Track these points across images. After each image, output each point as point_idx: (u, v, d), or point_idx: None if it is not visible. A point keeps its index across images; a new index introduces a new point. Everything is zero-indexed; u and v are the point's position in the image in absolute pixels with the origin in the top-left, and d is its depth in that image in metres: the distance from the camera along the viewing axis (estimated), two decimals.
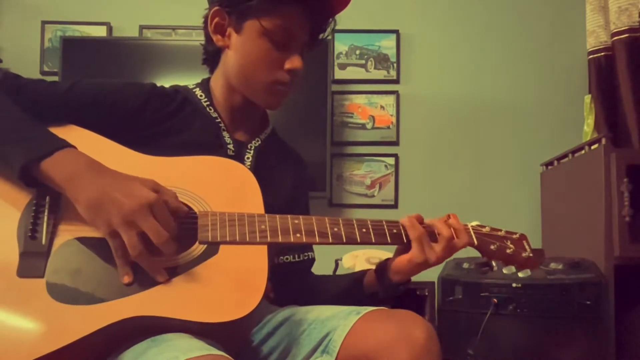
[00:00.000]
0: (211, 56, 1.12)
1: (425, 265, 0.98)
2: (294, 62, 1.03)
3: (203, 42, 1.12)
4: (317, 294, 1.15)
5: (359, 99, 2.56)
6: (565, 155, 2.20)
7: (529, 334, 1.69)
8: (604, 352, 1.72)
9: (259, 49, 1.02)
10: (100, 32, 2.55)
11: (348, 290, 1.11)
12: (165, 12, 2.57)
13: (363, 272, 1.10)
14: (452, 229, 0.99)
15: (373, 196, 2.52)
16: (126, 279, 0.80)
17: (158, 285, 0.80)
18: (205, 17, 1.08)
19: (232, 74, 1.07)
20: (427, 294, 2.00)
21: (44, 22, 2.56)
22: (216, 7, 1.05)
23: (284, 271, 1.10)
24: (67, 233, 0.85)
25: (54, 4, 2.58)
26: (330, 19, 1.09)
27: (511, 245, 1.03)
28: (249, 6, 1.01)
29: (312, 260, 1.17)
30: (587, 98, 2.28)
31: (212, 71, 1.14)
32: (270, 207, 0.94)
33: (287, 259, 1.11)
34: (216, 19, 1.06)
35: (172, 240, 0.81)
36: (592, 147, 1.95)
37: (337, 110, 2.54)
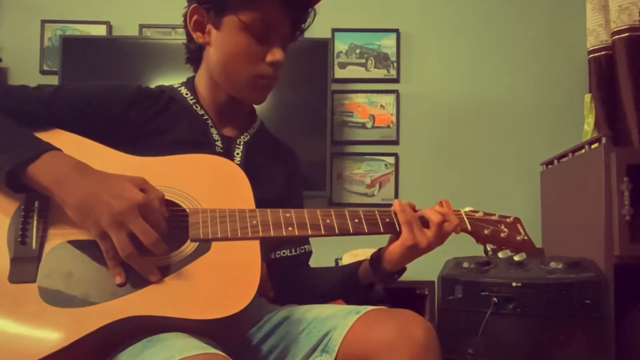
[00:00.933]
0: (194, 54, 1.12)
1: (416, 249, 0.97)
2: (275, 54, 1.02)
3: (184, 41, 1.12)
4: (314, 287, 1.15)
5: (359, 98, 2.56)
6: (565, 155, 2.20)
7: (529, 333, 1.69)
8: (604, 351, 1.72)
9: (239, 43, 1.01)
10: (100, 31, 2.55)
11: (344, 281, 1.11)
12: (165, 11, 2.56)
13: (358, 263, 1.10)
14: (442, 215, 0.98)
15: (373, 195, 2.52)
16: (118, 280, 0.80)
17: (151, 284, 0.80)
18: (185, 15, 1.08)
19: (215, 70, 1.06)
20: (427, 293, 2.00)
21: (43, 21, 2.55)
22: (194, 5, 1.05)
23: (281, 266, 1.10)
24: (57, 237, 0.84)
25: (53, 3, 2.58)
26: (310, 9, 1.08)
27: (505, 229, 1.03)
28: (227, 1, 1.00)
29: (309, 253, 1.17)
30: (587, 97, 2.28)
31: (196, 69, 1.13)
32: (262, 201, 0.93)
33: (283, 253, 1.12)
34: (195, 16, 1.05)
35: (161, 240, 0.81)
36: (592, 146, 1.95)
37: (337, 109, 2.54)
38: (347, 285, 1.10)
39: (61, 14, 2.57)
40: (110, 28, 2.57)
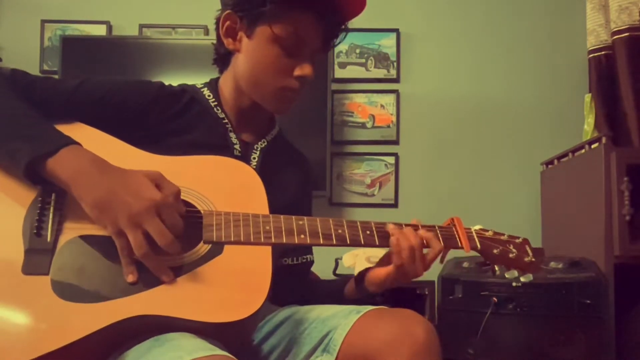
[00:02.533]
0: (221, 57, 1.11)
1: (404, 280, 0.98)
2: (304, 69, 1.02)
3: (214, 42, 1.11)
4: (308, 298, 1.14)
5: (359, 98, 2.56)
6: (565, 154, 2.20)
7: (528, 333, 1.69)
8: (604, 351, 1.72)
9: (269, 54, 1.01)
10: (100, 31, 2.55)
11: (332, 296, 1.11)
12: (165, 11, 2.57)
13: (346, 279, 1.10)
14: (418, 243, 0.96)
15: (373, 195, 2.52)
16: (130, 278, 0.80)
17: (162, 284, 0.80)
18: (217, 19, 1.07)
19: (242, 77, 1.06)
20: (427, 293, 2.00)
21: (43, 21, 2.56)
22: (228, 11, 1.04)
23: (283, 273, 1.10)
24: (72, 230, 0.85)
25: (53, 2, 2.58)
26: (343, 26, 1.09)
27: (514, 250, 1.03)
28: (261, 11, 1.00)
29: (310, 263, 1.17)
30: (587, 97, 2.28)
31: (221, 72, 1.13)
32: (275, 208, 0.93)
33: (285, 261, 1.12)
34: (228, 22, 1.05)
35: (176, 241, 0.81)
36: (592, 146, 1.95)
37: (337, 109, 2.54)
38: (335, 299, 1.10)
39: (61, 14, 2.57)
40: (110, 28, 2.57)
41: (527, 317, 1.69)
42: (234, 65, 1.08)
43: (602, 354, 1.71)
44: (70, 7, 2.58)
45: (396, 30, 2.57)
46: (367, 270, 1.04)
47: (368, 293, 1.03)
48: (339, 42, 1.11)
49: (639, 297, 1.85)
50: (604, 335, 1.72)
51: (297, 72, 1.02)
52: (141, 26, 2.57)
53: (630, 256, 1.75)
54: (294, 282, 1.14)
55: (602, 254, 1.78)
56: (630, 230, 1.75)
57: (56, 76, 2.38)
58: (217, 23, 1.08)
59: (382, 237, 0.97)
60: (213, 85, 1.12)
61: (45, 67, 2.54)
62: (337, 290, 1.10)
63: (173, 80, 1.15)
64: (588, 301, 1.68)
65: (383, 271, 0.98)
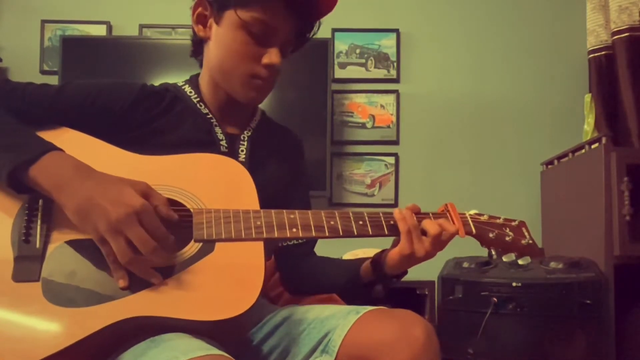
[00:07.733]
0: (196, 48, 1.11)
1: (412, 258, 0.97)
2: (271, 56, 1.01)
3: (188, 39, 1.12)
4: (319, 278, 1.14)
5: (359, 98, 2.56)
6: (565, 154, 2.20)
7: (529, 333, 1.69)
8: (604, 351, 1.72)
9: (236, 40, 1.00)
10: (100, 31, 2.55)
11: (346, 277, 1.10)
12: (165, 11, 2.56)
13: (361, 261, 1.09)
14: (439, 226, 0.97)
15: (373, 195, 2.52)
16: (122, 284, 0.79)
17: (154, 285, 0.80)
18: (191, 8, 1.07)
19: (213, 66, 1.05)
20: (427, 293, 2.00)
21: (43, 21, 2.55)
22: None
23: (288, 255, 1.10)
24: (61, 236, 0.84)
25: (53, 3, 2.58)
26: (316, 21, 1.08)
27: (510, 233, 1.03)
28: None
29: (315, 240, 1.17)
30: (588, 97, 2.28)
31: (201, 66, 1.12)
32: (270, 195, 0.93)
33: (290, 241, 1.12)
34: (199, 9, 1.05)
35: (160, 248, 0.80)
36: (593, 146, 1.95)
37: (337, 109, 2.54)
38: (348, 281, 1.10)
39: (61, 14, 2.57)
40: (110, 28, 2.57)
41: (527, 317, 1.69)
42: (206, 55, 1.08)
43: (602, 354, 1.71)
44: (70, 7, 2.58)
45: (396, 30, 2.57)
46: (383, 251, 1.04)
47: (386, 275, 1.02)
48: (313, 35, 1.09)
49: (639, 297, 1.85)
50: (604, 335, 1.72)
51: (264, 59, 1.01)
52: (141, 26, 2.57)
53: (630, 256, 1.75)
54: (300, 263, 1.14)
55: (602, 254, 1.78)
56: (630, 230, 1.76)
57: (56, 76, 2.39)
58: (192, 12, 1.07)
59: (375, 227, 0.96)
60: (194, 81, 1.11)
61: (45, 67, 2.54)
62: (353, 270, 1.09)
63: (174, 80, 1.14)
64: (588, 301, 1.68)
65: (396, 255, 0.98)
